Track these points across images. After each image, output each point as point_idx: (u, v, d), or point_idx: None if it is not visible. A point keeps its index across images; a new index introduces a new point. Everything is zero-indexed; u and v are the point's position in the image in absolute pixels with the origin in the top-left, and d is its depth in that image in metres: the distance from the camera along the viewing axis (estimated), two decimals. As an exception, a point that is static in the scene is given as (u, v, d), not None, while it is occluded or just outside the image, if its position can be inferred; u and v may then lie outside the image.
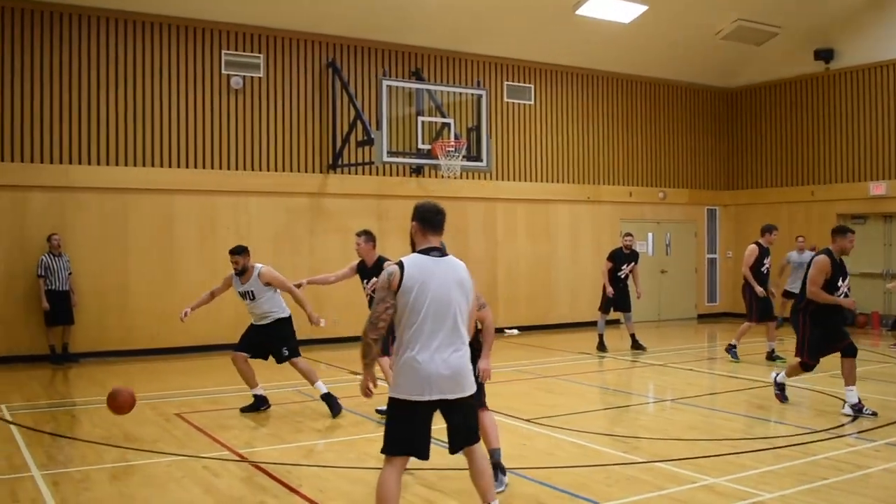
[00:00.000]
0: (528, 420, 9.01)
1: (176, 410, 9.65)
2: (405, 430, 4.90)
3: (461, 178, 16.31)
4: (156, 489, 6.59)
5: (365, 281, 9.78)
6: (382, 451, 4.91)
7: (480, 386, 6.21)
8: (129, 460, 7.43)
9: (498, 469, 6.29)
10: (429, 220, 5.20)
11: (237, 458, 7.45)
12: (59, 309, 13.34)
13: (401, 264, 4.95)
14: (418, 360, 4.83)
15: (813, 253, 10.80)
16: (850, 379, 9.04)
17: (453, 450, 5.10)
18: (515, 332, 17.77)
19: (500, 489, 6.19)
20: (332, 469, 7.13)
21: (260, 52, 15.43)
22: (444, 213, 5.30)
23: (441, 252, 5.13)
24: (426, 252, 5.08)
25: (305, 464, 7.30)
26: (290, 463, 7.28)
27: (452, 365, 4.89)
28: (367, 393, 5.07)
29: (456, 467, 7.06)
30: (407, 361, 4.85)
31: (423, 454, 4.93)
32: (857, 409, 8.95)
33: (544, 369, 12.81)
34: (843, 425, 8.67)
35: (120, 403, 8.50)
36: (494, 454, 6.31)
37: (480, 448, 5.20)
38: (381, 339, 4.92)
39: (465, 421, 5.07)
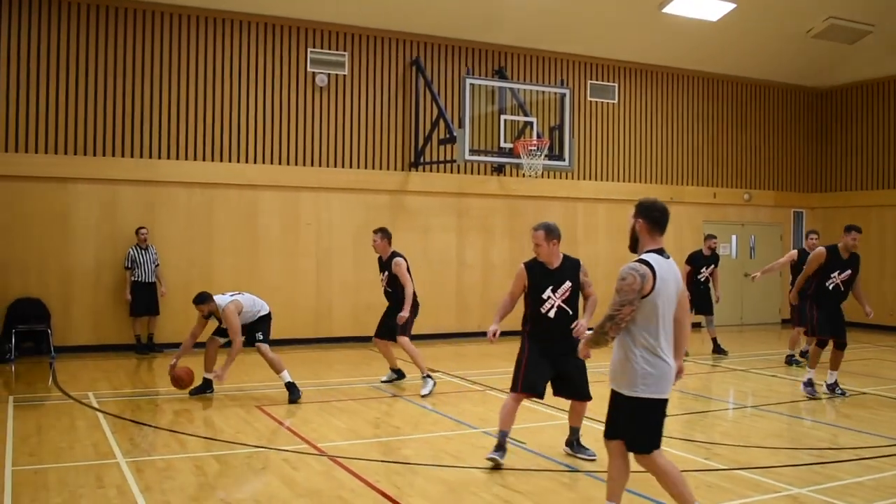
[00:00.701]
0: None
1: (257, 403, 9.80)
2: (660, 426, 5.19)
3: (542, 177, 16.22)
4: (236, 480, 6.71)
5: (382, 273, 11.15)
6: (649, 450, 5.15)
7: None
8: (211, 450, 7.57)
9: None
10: (657, 219, 5.18)
11: (316, 452, 7.53)
12: (145, 300, 13.69)
13: (651, 266, 4.92)
14: (668, 362, 5.02)
15: None
16: (834, 365, 10.60)
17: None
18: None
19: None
20: (409, 466, 7.15)
21: (345, 50, 15.58)
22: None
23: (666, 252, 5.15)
24: (659, 252, 5.08)
25: (383, 459, 7.34)
26: (368, 458, 7.33)
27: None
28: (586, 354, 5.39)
29: (532, 468, 7.03)
30: (658, 363, 4.97)
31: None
32: (831, 388, 10.57)
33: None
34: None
35: (177, 376, 9.84)
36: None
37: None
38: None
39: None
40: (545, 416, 9.36)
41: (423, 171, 16.16)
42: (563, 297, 7.36)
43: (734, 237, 19.96)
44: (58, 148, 13.57)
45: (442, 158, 15.91)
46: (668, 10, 16.38)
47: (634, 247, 5.19)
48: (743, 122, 20.14)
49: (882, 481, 6.75)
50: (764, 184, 20.49)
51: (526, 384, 7.31)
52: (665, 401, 5.09)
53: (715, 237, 14.79)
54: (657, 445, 5.14)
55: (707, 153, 19.62)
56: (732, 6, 16.60)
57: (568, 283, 7.38)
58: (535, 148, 14.33)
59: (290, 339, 14.90)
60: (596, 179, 18.04)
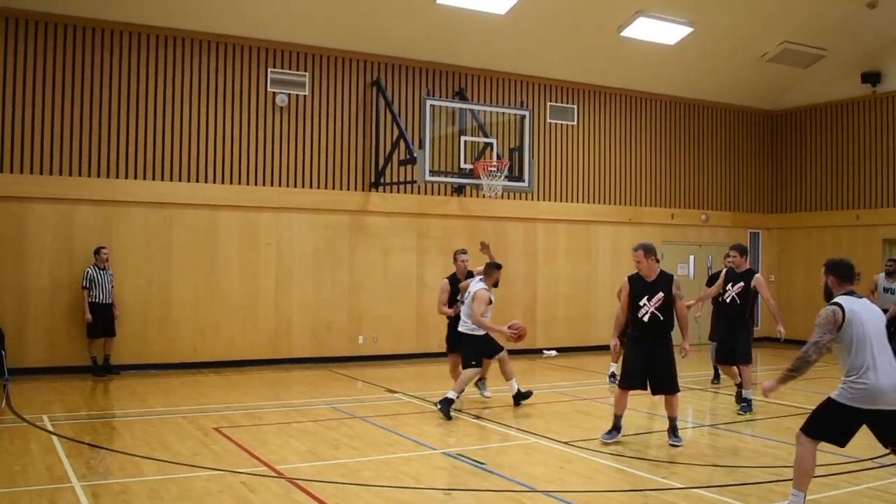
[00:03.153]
0: (566, 443, 8.95)
1: (215, 425, 9.71)
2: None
3: (502, 197, 16.31)
4: (193, 503, 6.63)
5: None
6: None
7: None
8: (168, 474, 7.48)
9: None
10: (845, 275, 6.32)
11: (274, 475, 7.47)
12: (102, 321, 13.50)
13: (840, 305, 6.06)
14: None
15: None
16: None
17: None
18: (554, 353, 17.68)
19: None
20: (368, 487, 7.12)
21: (305, 71, 15.58)
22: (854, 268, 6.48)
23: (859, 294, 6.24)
24: (850, 294, 6.20)
25: (342, 481, 7.30)
26: (327, 480, 7.28)
27: None
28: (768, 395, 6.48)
29: (492, 489, 7.03)
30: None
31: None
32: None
33: (583, 391, 12.73)
34: (886, 454, 8.50)
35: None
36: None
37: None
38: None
39: None
40: (506, 437, 9.38)
41: (384, 191, 16.18)
42: (657, 305, 8.76)
43: (692, 257, 20.19)
44: (13, 167, 13.40)
45: (402, 179, 15.93)
46: (626, 33, 16.62)
47: (829, 298, 6.28)
48: (700, 143, 20.42)
49: (837, 498, 6.85)
50: (721, 205, 20.77)
51: (624, 383, 8.99)
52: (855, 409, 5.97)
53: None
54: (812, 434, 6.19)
55: (665, 174, 19.85)
56: (689, 30, 16.89)
57: (661, 294, 8.78)
58: (495, 169, 14.40)
59: (250, 360, 14.82)
60: (555, 200, 18.17)
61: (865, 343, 5.90)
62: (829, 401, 6.07)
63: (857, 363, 5.89)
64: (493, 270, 11.01)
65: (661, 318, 8.79)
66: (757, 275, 11.20)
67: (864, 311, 6.02)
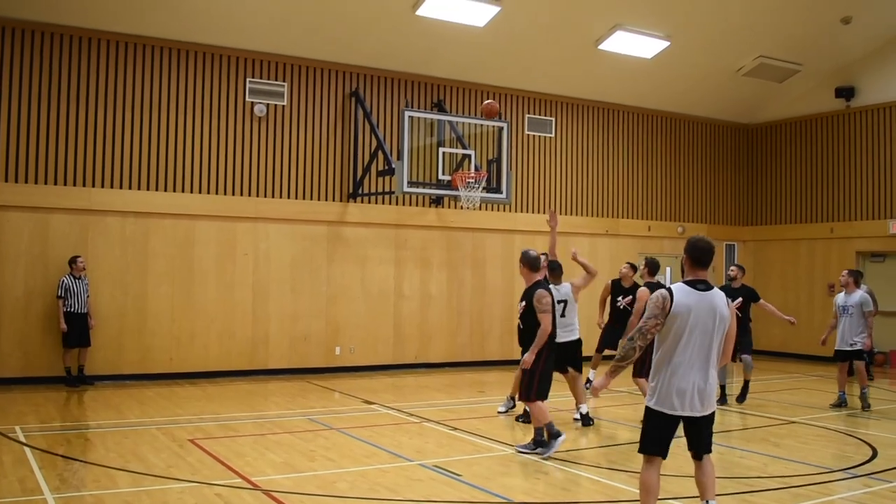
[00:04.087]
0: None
1: (190, 436, 9.65)
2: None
3: (480, 209, 16.35)
4: (168, 515, 6.59)
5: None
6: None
7: None
8: (142, 486, 7.43)
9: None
10: (697, 257, 5.90)
11: (250, 486, 7.44)
12: (77, 331, 13.37)
13: (669, 290, 5.74)
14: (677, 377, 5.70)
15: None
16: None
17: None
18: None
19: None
20: (344, 499, 7.10)
21: (284, 81, 15.57)
22: (713, 251, 6.00)
23: (706, 284, 5.82)
24: (692, 284, 5.80)
25: (318, 493, 7.27)
26: (303, 492, 7.26)
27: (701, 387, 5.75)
28: (597, 394, 6.16)
29: (468, 499, 7.03)
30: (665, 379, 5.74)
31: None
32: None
33: (560, 403, 12.73)
34: (860, 465, 8.58)
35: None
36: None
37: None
38: (642, 350, 5.71)
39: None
40: (480, 448, 9.38)
41: (362, 202, 16.17)
42: (520, 313, 9.17)
43: (668, 269, 20.27)
44: (-12, 175, 13.30)
45: (380, 190, 15.94)
46: (604, 46, 16.73)
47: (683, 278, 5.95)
48: (677, 156, 20.56)
49: (810, 510, 6.90)
50: (697, 217, 20.91)
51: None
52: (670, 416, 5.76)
53: (736, 268, 13.79)
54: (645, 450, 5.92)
55: (642, 187, 19.97)
56: (666, 44, 17.03)
57: (523, 302, 9.12)
58: (473, 180, 14.43)
59: (226, 371, 14.75)
60: (533, 212, 18.23)
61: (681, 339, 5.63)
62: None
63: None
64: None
65: (521, 326, 9.20)
66: (641, 288, 11.16)
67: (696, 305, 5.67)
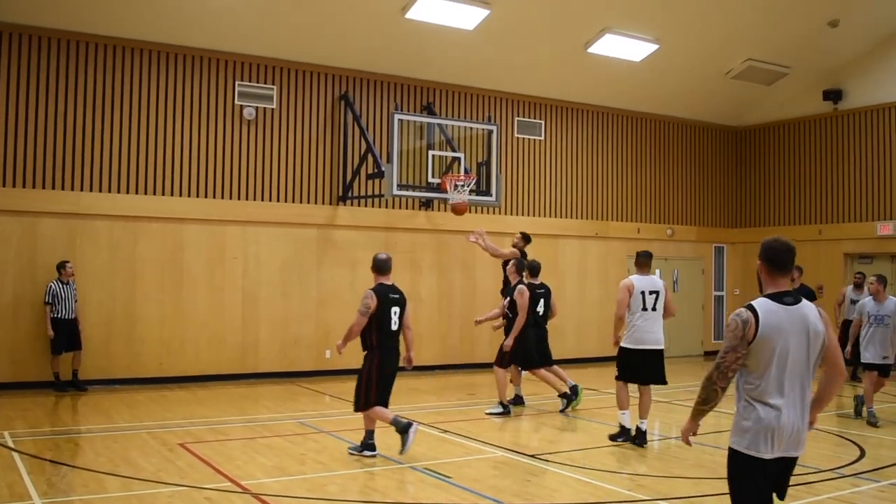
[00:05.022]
0: (532, 456, 8.97)
1: (179, 440, 9.63)
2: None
3: (470, 212, 16.36)
4: (157, 519, 6.57)
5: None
6: None
7: None
8: (132, 490, 7.41)
9: None
10: (775, 260, 4.66)
11: (240, 490, 7.42)
12: (67, 337, 13.24)
13: (752, 309, 4.49)
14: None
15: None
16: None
17: None
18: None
19: None
20: (334, 502, 7.10)
21: (273, 84, 15.55)
22: (794, 251, 4.72)
23: (793, 296, 4.58)
24: (777, 298, 4.56)
25: (308, 496, 7.27)
26: (293, 496, 7.25)
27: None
28: (688, 441, 4.92)
29: (458, 502, 7.03)
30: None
31: None
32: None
33: (550, 404, 12.76)
34: (849, 465, 8.62)
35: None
36: None
37: None
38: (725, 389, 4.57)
39: None
40: (471, 451, 9.38)
41: (351, 205, 16.17)
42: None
43: (658, 271, 20.25)
44: (-25, 179, 13.26)
45: (370, 193, 15.94)
46: (593, 49, 16.77)
47: (762, 291, 4.74)
48: (666, 159, 20.61)
49: (799, 511, 6.92)
50: (686, 219, 20.96)
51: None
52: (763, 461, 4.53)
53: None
54: None
55: (631, 189, 20.01)
56: (655, 47, 17.08)
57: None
58: (463, 183, 14.45)
59: (216, 375, 14.71)
60: (522, 215, 18.25)
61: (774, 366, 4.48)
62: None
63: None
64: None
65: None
66: (519, 286, 11.79)
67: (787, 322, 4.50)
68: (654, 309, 9.62)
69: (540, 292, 12.30)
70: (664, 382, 9.92)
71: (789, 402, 4.47)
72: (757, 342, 4.42)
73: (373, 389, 8.85)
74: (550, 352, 12.37)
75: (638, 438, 9.64)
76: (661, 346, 9.77)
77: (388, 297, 8.97)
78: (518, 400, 12.47)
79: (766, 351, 4.43)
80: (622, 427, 9.79)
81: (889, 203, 18.44)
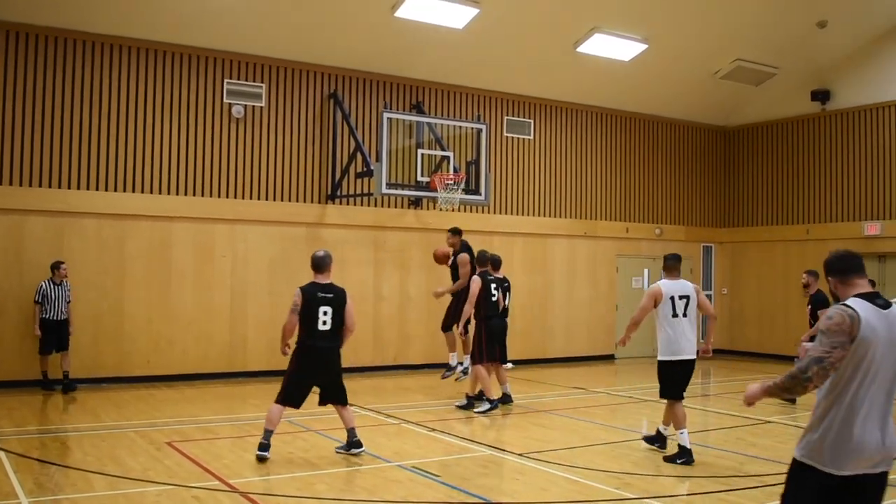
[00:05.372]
0: (520, 454, 8.99)
1: (167, 439, 9.61)
2: None
3: (459, 210, 16.37)
4: (145, 518, 6.56)
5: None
6: None
7: None
8: (119, 489, 7.39)
9: None
10: (844, 268, 4.40)
11: (227, 489, 7.41)
12: (56, 339, 13.04)
13: (850, 306, 4.15)
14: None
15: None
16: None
17: None
18: (510, 365, 17.67)
19: None
20: (322, 500, 7.10)
21: (262, 82, 15.53)
22: (856, 253, 4.47)
23: (883, 298, 4.26)
24: (870, 298, 4.22)
25: (296, 495, 7.26)
26: (281, 494, 7.25)
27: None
28: (751, 403, 4.55)
29: (446, 500, 7.04)
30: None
31: None
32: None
33: (539, 403, 12.79)
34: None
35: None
36: None
37: None
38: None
39: None
40: (461, 449, 9.39)
41: (340, 203, 16.15)
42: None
43: (646, 271, 20.38)
44: (-38, 177, 13.19)
45: (359, 191, 15.93)
46: (582, 49, 16.80)
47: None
48: (654, 158, 20.66)
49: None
50: (675, 219, 21.02)
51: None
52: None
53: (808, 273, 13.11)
54: None
55: (620, 189, 20.05)
56: (644, 47, 17.12)
57: None
58: (452, 182, 14.45)
59: (204, 374, 14.69)
60: (511, 214, 18.27)
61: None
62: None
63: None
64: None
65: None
66: (474, 276, 12.33)
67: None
68: (685, 315, 8.92)
69: (499, 283, 12.42)
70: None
71: (873, 412, 4.11)
72: (857, 342, 4.06)
73: (288, 386, 8.72)
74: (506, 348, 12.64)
75: (659, 442, 9.37)
76: (694, 356, 9.03)
77: (315, 295, 8.70)
78: (506, 398, 12.48)
79: (860, 352, 4.07)
80: (682, 447, 8.81)
81: (876, 203, 18.54)
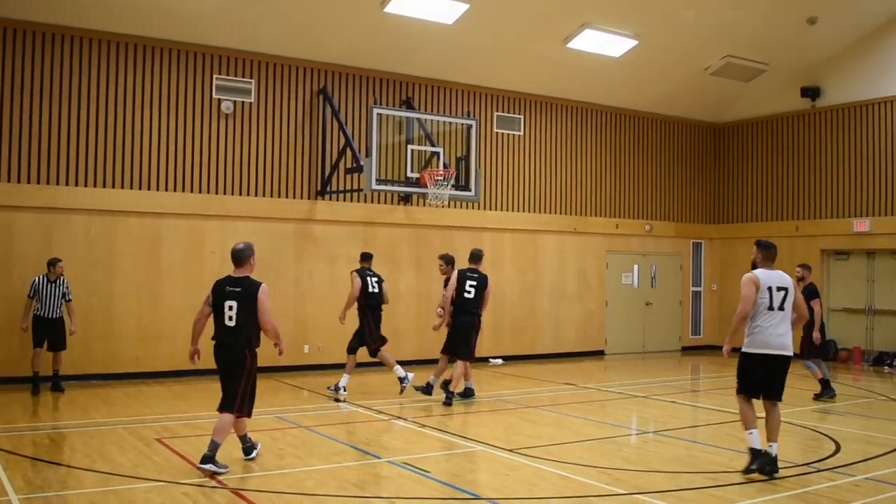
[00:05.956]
0: (510, 450, 8.99)
1: (157, 436, 9.59)
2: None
3: (449, 206, 16.37)
4: (134, 515, 6.54)
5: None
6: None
7: None
8: (109, 486, 7.37)
9: None
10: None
11: (218, 485, 7.40)
12: (45, 335, 12.80)
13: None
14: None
15: None
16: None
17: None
18: (500, 361, 17.75)
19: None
20: (312, 496, 7.09)
21: (251, 78, 15.48)
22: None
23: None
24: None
25: (286, 491, 7.25)
26: (271, 490, 7.24)
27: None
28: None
29: (437, 496, 7.05)
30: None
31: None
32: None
33: (528, 399, 12.80)
34: (823, 459, 8.70)
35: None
36: None
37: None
38: None
39: None
40: (451, 445, 9.39)
41: (330, 199, 16.12)
42: None
43: (636, 266, 20.42)
44: (-50, 173, 13.11)
45: (349, 187, 15.90)
46: (572, 45, 16.80)
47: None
48: (644, 155, 20.69)
49: (774, 502, 6.97)
50: (664, 215, 21.06)
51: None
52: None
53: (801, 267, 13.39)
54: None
55: (610, 185, 20.08)
56: (634, 43, 17.13)
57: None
58: (442, 178, 14.44)
59: (193, 370, 14.61)
60: (502, 210, 18.27)
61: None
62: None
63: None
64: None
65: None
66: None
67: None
68: (781, 308, 8.14)
69: (472, 276, 12.30)
70: (779, 398, 8.27)
71: None
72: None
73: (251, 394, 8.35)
74: (475, 345, 12.51)
75: (769, 465, 7.92)
76: (790, 353, 8.20)
77: (222, 289, 8.26)
78: (468, 392, 12.59)
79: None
80: (752, 449, 8.02)
81: (865, 200, 18.60)
